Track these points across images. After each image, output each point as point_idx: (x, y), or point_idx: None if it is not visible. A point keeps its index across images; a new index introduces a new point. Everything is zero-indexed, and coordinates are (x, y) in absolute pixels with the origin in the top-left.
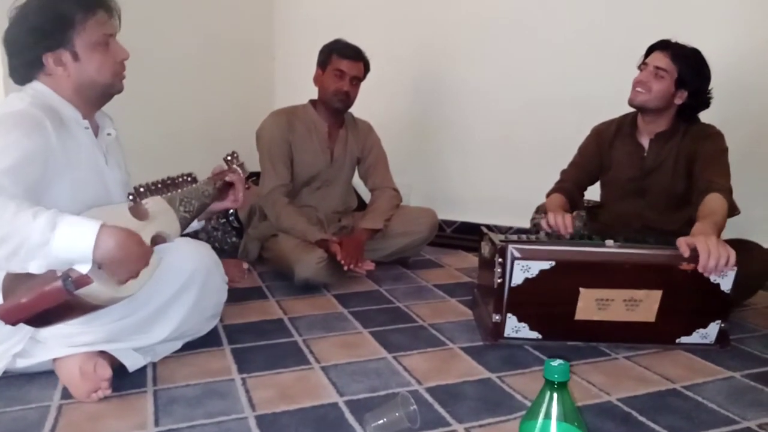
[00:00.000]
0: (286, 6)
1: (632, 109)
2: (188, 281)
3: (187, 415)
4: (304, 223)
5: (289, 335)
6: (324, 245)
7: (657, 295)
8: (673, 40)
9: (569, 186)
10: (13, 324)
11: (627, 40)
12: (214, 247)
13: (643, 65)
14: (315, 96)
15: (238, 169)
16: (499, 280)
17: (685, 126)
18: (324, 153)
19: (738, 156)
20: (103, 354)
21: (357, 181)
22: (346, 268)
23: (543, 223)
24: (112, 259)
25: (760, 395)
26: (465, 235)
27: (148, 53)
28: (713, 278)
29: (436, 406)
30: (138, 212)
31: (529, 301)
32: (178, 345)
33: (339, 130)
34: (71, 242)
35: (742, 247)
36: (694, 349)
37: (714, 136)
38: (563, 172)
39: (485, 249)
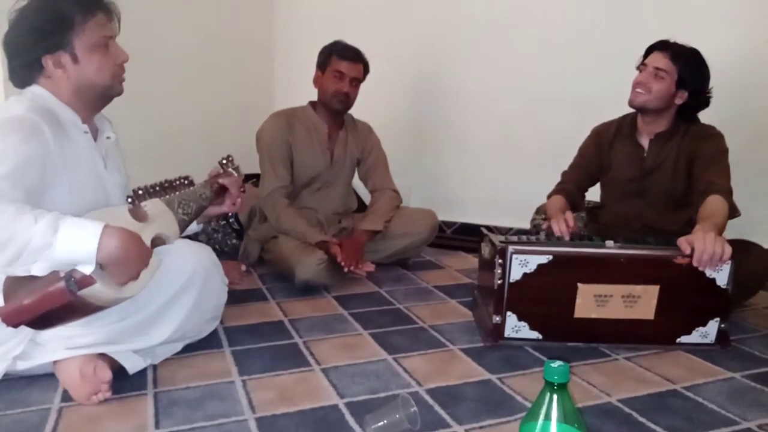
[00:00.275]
0: (285, 7)
1: (632, 110)
2: (187, 282)
3: (187, 418)
4: (304, 224)
5: (289, 337)
6: (324, 247)
7: (654, 290)
8: (672, 40)
9: (570, 187)
10: (15, 326)
11: (627, 40)
12: (214, 249)
13: (642, 66)
14: (315, 97)
15: (234, 172)
16: (499, 281)
17: (684, 126)
18: (324, 154)
19: (737, 156)
20: (103, 356)
21: (357, 183)
22: (346, 269)
23: (545, 226)
24: (115, 260)
25: (761, 396)
26: (465, 237)
27: (148, 55)
28: (708, 273)
29: (437, 407)
30: (137, 214)
31: (528, 298)
32: (179, 347)
33: (339, 132)
34: (74, 244)
35: (742, 247)
36: (695, 349)
37: (714, 137)
38: (564, 174)
39: (485, 250)
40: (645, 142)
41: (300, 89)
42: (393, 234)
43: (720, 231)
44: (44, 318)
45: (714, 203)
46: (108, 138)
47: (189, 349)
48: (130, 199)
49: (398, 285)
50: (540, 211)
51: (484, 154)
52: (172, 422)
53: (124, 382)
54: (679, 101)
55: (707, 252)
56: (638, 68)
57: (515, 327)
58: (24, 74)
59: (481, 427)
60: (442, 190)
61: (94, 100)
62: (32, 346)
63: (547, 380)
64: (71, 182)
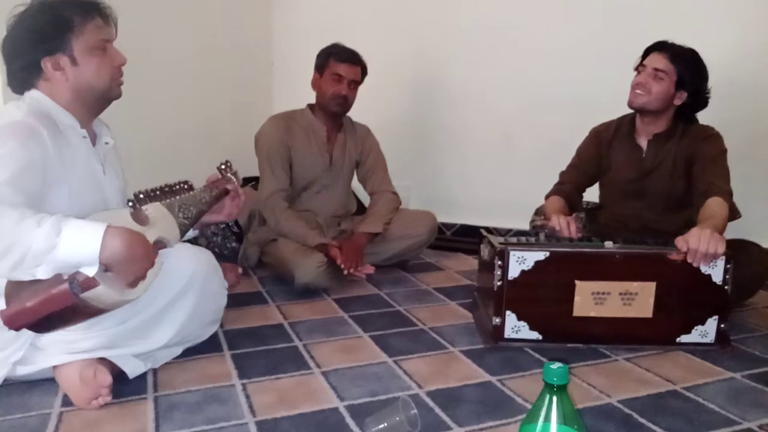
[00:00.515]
0: (283, 11)
1: (629, 111)
2: (187, 285)
3: (187, 421)
4: (303, 227)
5: (289, 340)
6: (324, 249)
7: (651, 287)
8: (670, 41)
9: (568, 188)
10: (17, 329)
11: (625, 42)
12: (213, 252)
13: (641, 67)
14: (313, 100)
15: (232, 177)
16: (498, 283)
17: (683, 127)
18: (323, 157)
19: (737, 156)
20: (103, 361)
21: (356, 185)
22: (346, 272)
23: (542, 224)
24: (120, 260)
25: (761, 396)
26: (464, 238)
27: (147, 58)
28: (703, 269)
29: (437, 409)
30: (139, 218)
31: (526, 296)
32: (179, 351)
33: (337, 134)
34: (77, 246)
35: (741, 247)
36: (694, 349)
37: (713, 137)
38: (562, 174)
39: (485, 251)
40: (643, 142)
41: (298, 92)
42: (392, 236)
43: (720, 232)
44: (46, 321)
45: (714, 205)
46: (106, 143)
47: (189, 352)
48: (131, 203)
49: (398, 287)
50: (539, 212)
51: (484, 156)
52: (172, 426)
53: (124, 387)
54: (678, 102)
55: (701, 248)
56: (637, 69)
57: (515, 327)
58: (23, 78)
59: (481, 429)
60: (441, 191)
61: (93, 104)
62: (32, 350)
63: (546, 382)
64: (71, 186)
